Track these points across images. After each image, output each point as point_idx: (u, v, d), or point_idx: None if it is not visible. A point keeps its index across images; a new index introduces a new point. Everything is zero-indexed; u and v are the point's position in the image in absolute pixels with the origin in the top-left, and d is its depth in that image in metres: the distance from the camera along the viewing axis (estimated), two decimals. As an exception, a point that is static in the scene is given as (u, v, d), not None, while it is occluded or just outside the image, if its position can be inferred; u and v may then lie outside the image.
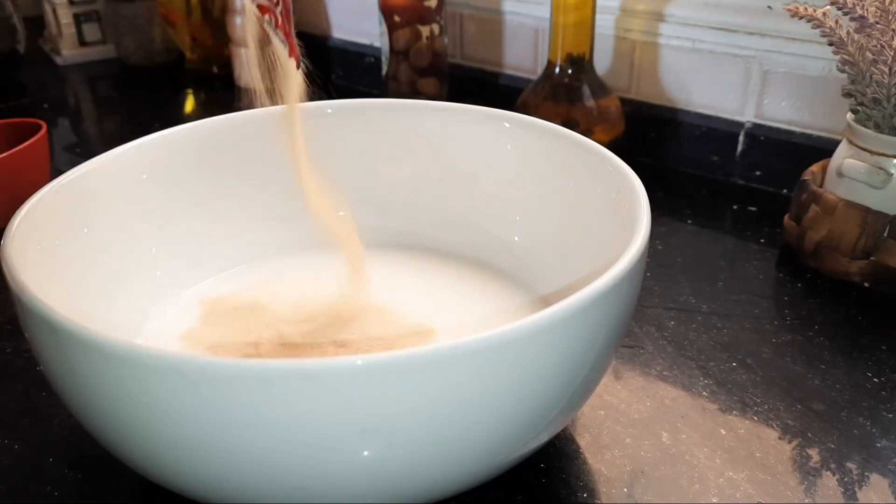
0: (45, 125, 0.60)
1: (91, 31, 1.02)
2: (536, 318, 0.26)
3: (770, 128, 0.62)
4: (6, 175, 0.55)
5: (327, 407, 0.25)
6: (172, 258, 0.43)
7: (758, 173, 0.63)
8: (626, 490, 0.34)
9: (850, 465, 0.35)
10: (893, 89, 0.46)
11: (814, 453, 0.36)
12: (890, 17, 0.45)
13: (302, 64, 0.35)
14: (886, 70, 0.45)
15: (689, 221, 0.58)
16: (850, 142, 0.49)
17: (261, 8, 0.33)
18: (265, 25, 0.34)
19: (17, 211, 0.34)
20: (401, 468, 0.27)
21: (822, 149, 0.57)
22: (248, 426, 0.25)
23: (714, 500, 0.33)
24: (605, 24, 0.68)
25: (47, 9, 1.02)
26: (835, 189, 0.50)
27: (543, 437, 0.32)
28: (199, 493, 0.29)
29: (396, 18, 0.72)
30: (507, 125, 0.45)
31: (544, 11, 0.69)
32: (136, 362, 0.25)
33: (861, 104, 0.48)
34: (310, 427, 0.25)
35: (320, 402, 0.25)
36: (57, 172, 0.39)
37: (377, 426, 0.25)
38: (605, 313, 0.29)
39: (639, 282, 0.32)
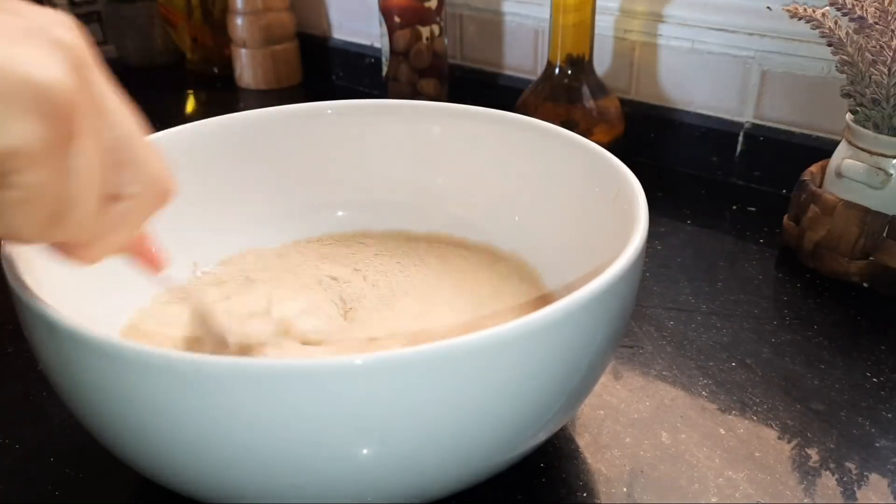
0: (45, 126, 0.60)
1: (92, 31, 1.03)
2: (534, 317, 0.26)
3: (769, 128, 0.62)
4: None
5: (325, 406, 0.25)
6: (172, 258, 0.43)
7: (757, 174, 0.63)
8: (625, 490, 0.34)
9: (849, 464, 0.35)
10: (892, 90, 0.46)
11: (813, 453, 0.36)
12: (889, 18, 0.45)
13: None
14: (885, 70, 0.45)
15: (689, 222, 0.58)
16: (849, 142, 0.49)
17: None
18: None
19: (18, 211, 0.34)
20: (399, 467, 0.27)
21: (821, 149, 0.57)
22: (246, 425, 0.25)
23: (713, 500, 0.33)
24: (604, 24, 0.68)
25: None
26: (834, 189, 0.50)
27: (542, 437, 0.32)
28: (198, 491, 0.29)
29: (397, 19, 0.72)
30: (507, 126, 0.45)
31: (544, 12, 0.69)
32: (135, 362, 0.25)
33: (860, 105, 0.48)
34: (307, 426, 0.25)
35: (318, 401, 0.25)
36: (57, 173, 0.39)
37: (375, 425, 0.25)
38: (603, 313, 0.29)
39: (637, 282, 0.32)
